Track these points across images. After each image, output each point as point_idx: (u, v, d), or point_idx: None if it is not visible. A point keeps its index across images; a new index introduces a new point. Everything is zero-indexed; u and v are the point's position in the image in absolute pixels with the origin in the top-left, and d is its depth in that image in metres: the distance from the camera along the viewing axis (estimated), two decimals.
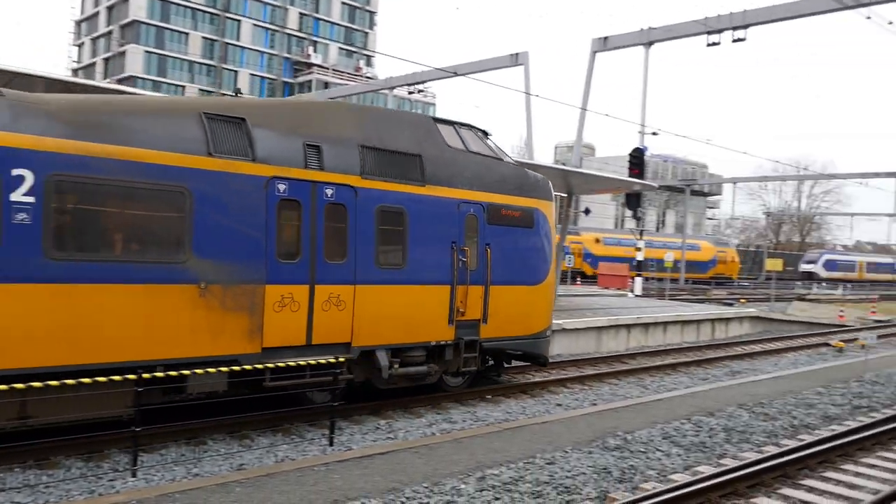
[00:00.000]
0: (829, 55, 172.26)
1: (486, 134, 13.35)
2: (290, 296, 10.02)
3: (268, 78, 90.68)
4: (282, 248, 9.96)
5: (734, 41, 21.55)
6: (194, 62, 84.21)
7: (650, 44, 25.28)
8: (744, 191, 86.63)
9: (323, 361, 10.08)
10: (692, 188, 66.17)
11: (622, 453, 9.65)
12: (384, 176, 11.11)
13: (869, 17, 15.50)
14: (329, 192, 10.43)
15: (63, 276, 8.24)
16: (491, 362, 13.55)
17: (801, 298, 44.15)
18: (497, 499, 7.68)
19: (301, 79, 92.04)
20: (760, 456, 9.69)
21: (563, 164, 40.00)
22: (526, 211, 13.03)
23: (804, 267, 73.83)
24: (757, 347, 22.67)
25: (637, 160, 26.43)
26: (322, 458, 8.80)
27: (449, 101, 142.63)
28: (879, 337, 23.48)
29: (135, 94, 13.57)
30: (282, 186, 9.96)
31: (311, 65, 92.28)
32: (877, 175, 38.43)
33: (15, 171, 7.93)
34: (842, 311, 34.28)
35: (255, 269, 9.68)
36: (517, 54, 29.31)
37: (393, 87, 42.19)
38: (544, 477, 8.44)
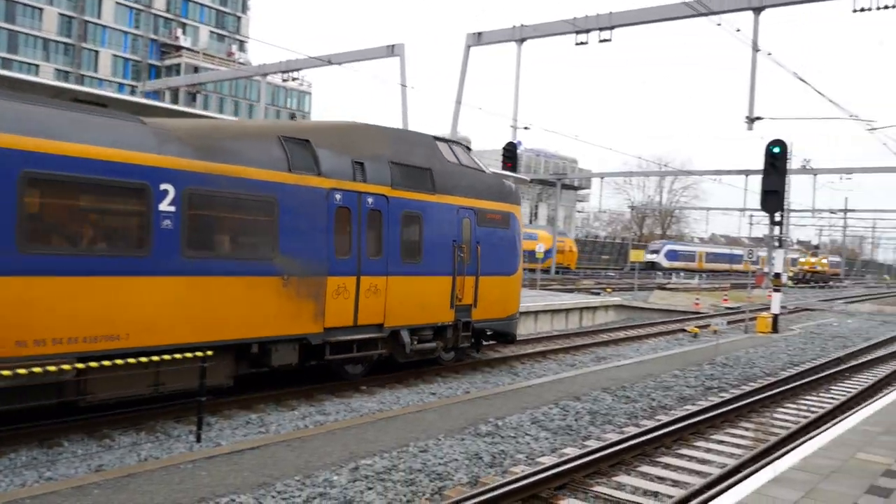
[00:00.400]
0: (687, 58, 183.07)
1: (468, 149, 15.67)
2: (343, 286, 12.13)
3: (132, 60, 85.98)
4: (338, 247, 12.02)
5: (600, 41, 22.51)
6: (49, 40, 78.49)
7: (522, 40, 25.93)
8: (611, 185, 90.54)
9: (365, 338, 12.57)
10: (563, 182, 68.44)
11: (493, 439, 9.90)
12: (407, 187, 13.36)
13: (719, 24, 16.65)
14: (370, 200, 12.64)
15: (193, 270, 10.07)
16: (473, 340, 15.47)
17: (662, 287, 46.74)
18: (370, 488, 7.69)
19: (168, 62, 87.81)
20: (622, 436, 10.21)
21: None
22: (503, 214, 15.58)
23: (648, 257, 76.59)
24: (621, 334, 23.81)
25: (510, 154, 27.07)
26: (189, 456, 8.49)
27: (325, 90, 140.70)
28: (729, 323, 25.29)
29: (219, 118, 15.94)
30: (338, 196, 12.06)
31: (179, 48, 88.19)
32: (728, 173, 41.28)
33: (162, 186, 9.73)
34: (697, 299, 36.58)
35: (321, 263, 11.76)
36: (393, 46, 29.28)
37: (266, 74, 41.14)
38: (417, 465, 8.53)
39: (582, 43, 22.81)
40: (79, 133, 9.08)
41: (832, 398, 14.46)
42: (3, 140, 8.34)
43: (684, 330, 24.41)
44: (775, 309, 25.46)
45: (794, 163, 47.55)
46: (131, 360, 9.06)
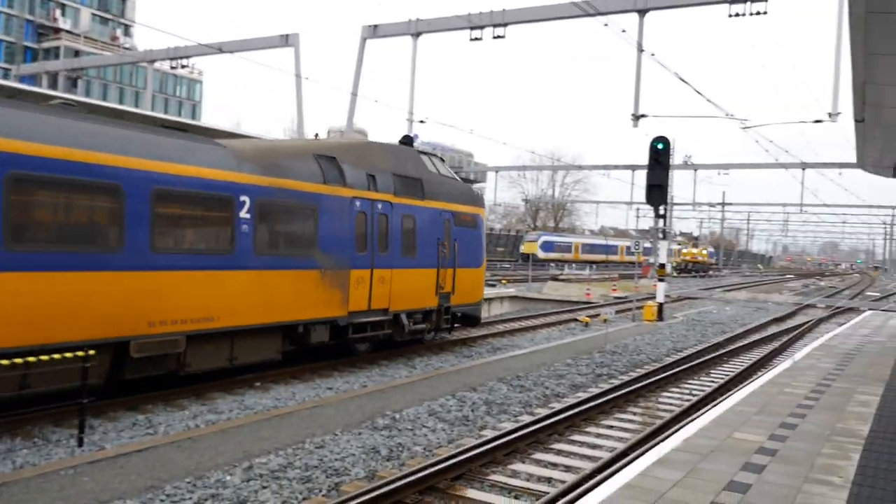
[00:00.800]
0: (579, 56, 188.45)
1: (442, 160, 18.57)
2: (362, 277, 14.58)
3: (6, 41, 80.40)
4: (358, 245, 14.43)
5: (494, 37, 22.85)
6: None
7: (418, 34, 25.94)
8: (505, 179, 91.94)
9: (375, 320, 15.11)
10: (459, 175, 69.10)
11: (391, 432, 9.91)
12: (405, 194, 15.84)
13: (606, 25, 17.23)
14: (379, 206, 15.08)
15: (262, 265, 12.45)
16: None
17: (555, 278, 48.01)
18: (264, 487, 7.54)
19: (47, 45, 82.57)
20: (516, 425, 10.43)
21: None
22: (473, 216, 18.22)
23: (524, 248, 77.74)
24: (516, 325, 24.32)
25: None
26: (70, 461, 8.06)
27: (217, 79, 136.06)
28: (618, 312, 26.28)
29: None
30: (358, 203, 14.46)
31: (58, 30, 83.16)
32: (616, 167, 42.83)
33: (241, 198, 12.01)
34: (588, 289, 37.80)
35: (346, 259, 14.17)
36: (287, 35, 28.67)
37: (153, 61, 39.44)
38: (314, 461, 8.43)
39: (476, 39, 23.08)
40: (190, 158, 11.35)
41: (712, 381, 15.29)
42: (142, 164, 10.62)
43: (576, 320, 25.18)
44: (660, 298, 26.66)
45: (676, 158, 49.82)
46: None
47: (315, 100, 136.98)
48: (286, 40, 28.84)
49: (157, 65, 41.65)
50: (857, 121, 13.33)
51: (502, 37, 22.79)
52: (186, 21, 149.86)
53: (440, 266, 16.77)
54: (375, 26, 26.65)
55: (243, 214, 12.05)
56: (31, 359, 8.79)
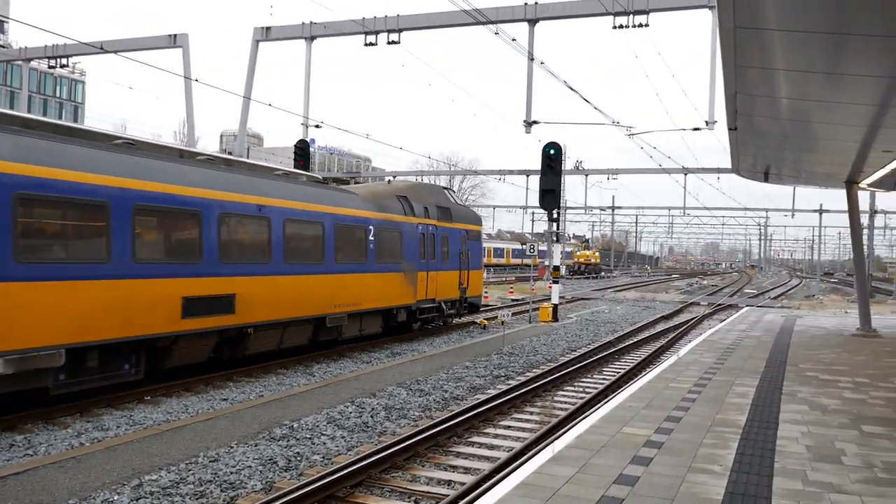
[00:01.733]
0: (474, 62, 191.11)
1: (453, 191, 26.26)
2: (422, 276, 20.76)
3: None
4: (420, 254, 20.63)
5: (389, 43, 22.89)
6: None
7: (312, 38, 25.64)
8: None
9: (428, 306, 21.42)
10: (356, 180, 68.72)
11: (288, 442, 9.76)
12: (442, 219, 22.27)
13: (497, 33, 17.58)
14: (430, 228, 21.39)
15: (379, 269, 18.55)
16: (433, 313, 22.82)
17: None
18: None
19: None
20: (416, 429, 10.49)
21: (229, 153, 38.82)
22: (476, 232, 24.97)
23: None
24: (256, 361, 24.21)
25: (302, 152, 26.72)
26: None
27: (101, 79, 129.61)
28: (514, 314, 26.82)
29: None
30: (419, 227, 20.71)
31: None
32: (511, 172, 43.66)
33: (369, 227, 18.31)
34: (486, 292, 38.36)
35: (415, 264, 20.37)
36: (175, 35, 27.71)
37: (29, 59, 37.19)
38: (208, 476, 8.20)
39: (371, 44, 23.05)
40: (350, 203, 18.01)
41: (604, 379, 15.85)
42: (331, 209, 17.03)
43: (475, 322, 25.52)
44: (555, 299, 27.41)
45: (568, 164, 51.32)
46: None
47: (209, 102, 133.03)
48: (174, 40, 27.85)
49: (34, 64, 39.34)
50: (730, 129, 14.12)
51: (397, 42, 22.87)
52: (68, 19, 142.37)
53: (461, 268, 23.35)
54: (268, 28, 26.16)
55: (371, 237, 18.39)
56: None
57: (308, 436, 10.12)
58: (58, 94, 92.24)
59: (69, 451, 9.15)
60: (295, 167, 25.59)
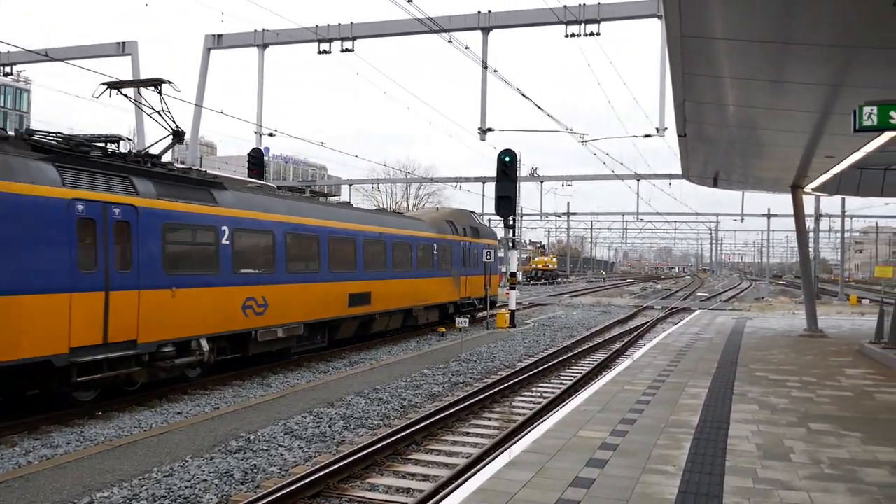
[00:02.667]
0: (430, 70, 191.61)
1: (474, 213, 34.05)
2: (462, 280, 27.45)
3: None
4: (462, 263, 27.49)
5: (342, 51, 22.82)
6: None
7: (265, 46, 25.45)
8: (360, 192, 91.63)
9: (467, 302, 28.55)
10: (312, 189, 68.18)
11: (245, 454, 9.64)
12: (472, 236, 28.99)
13: (450, 41, 17.68)
14: (467, 244, 28.15)
15: (438, 275, 25.66)
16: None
17: None
18: None
19: None
20: (374, 438, 10.45)
21: (182, 162, 38.18)
22: (492, 246, 30.73)
23: None
24: (375, 337, 24.24)
25: (256, 160, 26.49)
26: None
27: (48, 88, 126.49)
28: (472, 321, 26.91)
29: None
30: (461, 244, 27.78)
31: None
32: (467, 180, 43.84)
33: (433, 245, 25.56)
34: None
35: (459, 271, 27.11)
36: (124, 43, 27.24)
37: None
38: (161, 491, 8.05)
39: (325, 52, 22.95)
40: (421, 228, 25.15)
41: (561, 383, 16.00)
42: (424, 234, 25.41)
43: (433, 329, 25.53)
44: (512, 305, 27.60)
45: (523, 170, 51.67)
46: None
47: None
48: (122, 48, 27.37)
49: None
50: (680, 136, 14.46)
51: (351, 50, 22.82)
52: (11, 27, 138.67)
53: (485, 274, 29.36)
54: (219, 36, 25.86)
55: (434, 252, 25.32)
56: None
57: (265, 447, 10.01)
58: (2, 104, 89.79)
59: (16, 469, 8.89)
60: (249, 176, 25.38)
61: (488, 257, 29.16)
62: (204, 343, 13.94)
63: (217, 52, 26.74)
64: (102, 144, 13.08)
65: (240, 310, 14.99)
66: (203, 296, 14.00)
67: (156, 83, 14.43)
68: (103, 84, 14.52)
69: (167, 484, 8.30)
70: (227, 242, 14.66)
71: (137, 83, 15.62)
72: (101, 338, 11.60)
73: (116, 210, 11.98)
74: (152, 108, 14.49)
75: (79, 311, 11.15)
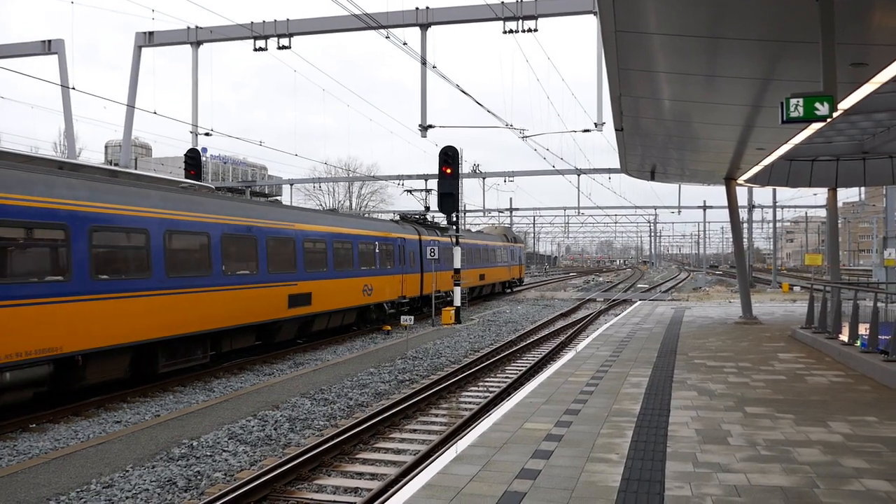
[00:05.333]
0: (369, 67, 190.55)
1: (510, 228, 58.61)
2: (516, 268, 50.58)
3: None
4: (510, 260, 48.29)
5: (279, 48, 22.49)
6: None
7: (198, 43, 24.90)
8: (301, 192, 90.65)
9: (516, 280, 51.40)
10: (252, 189, 67.08)
11: (188, 461, 9.44)
12: (511, 241, 49.25)
13: (388, 37, 17.59)
14: (511, 247, 49.22)
15: (504, 265, 45.90)
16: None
17: None
18: None
19: None
20: (321, 439, 10.36)
21: (115, 165, 37.21)
22: (522, 246, 54.64)
23: None
24: (320, 338, 24.00)
25: (193, 161, 25.93)
26: None
27: None
28: (417, 318, 26.89)
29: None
30: (509, 247, 49.02)
31: None
32: (410, 177, 43.74)
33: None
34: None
35: (509, 263, 48.06)
36: (50, 41, 26.32)
37: None
38: (102, 503, 7.81)
39: (261, 49, 22.59)
40: (496, 239, 45.48)
41: (507, 377, 16.13)
42: (490, 243, 44.46)
43: (378, 328, 25.42)
44: (457, 302, 27.68)
45: (465, 167, 51.91)
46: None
47: (92, 110, 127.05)
48: (48, 46, 26.45)
49: None
50: (617, 130, 14.70)
51: (288, 47, 22.50)
52: None
53: (520, 265, 49.42)
54: (151, 34, 25.20)
55: (502, 251, 44.79)
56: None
57: (209, 453, 9.82)
58: None
59: None
60: (186, 177, 24.85)
61: (519, 255, 42.95)
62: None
63: (151, 50, 26.08)
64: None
65: None
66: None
67: None
68: None
69: (107, 495, 8.07)
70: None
71: None
72: None
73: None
74: None
75: None
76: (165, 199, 15.00)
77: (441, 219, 34.53)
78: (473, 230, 52.06)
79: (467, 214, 66.41)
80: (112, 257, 13.45)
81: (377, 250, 24.86)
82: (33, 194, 11.77)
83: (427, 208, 35.86)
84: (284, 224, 19.36)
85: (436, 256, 26.96)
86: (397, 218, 32.86)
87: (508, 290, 47.44)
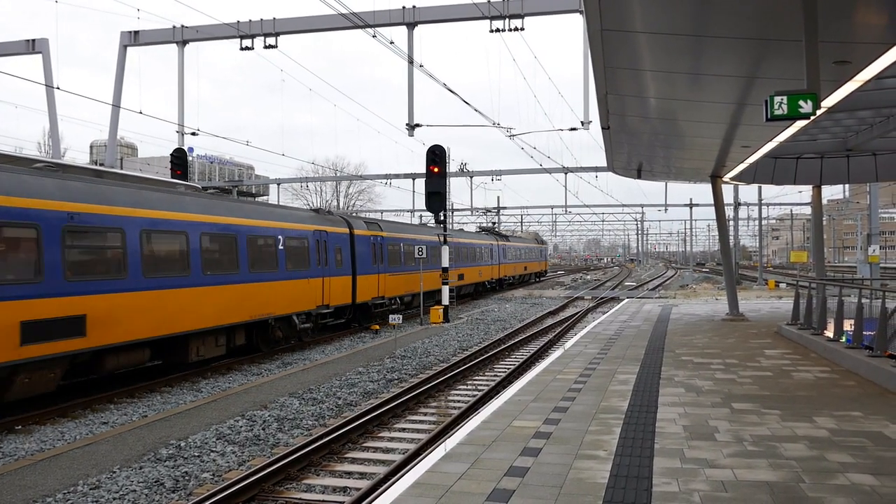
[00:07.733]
0: (356, 67, 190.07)
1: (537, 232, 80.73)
2: (541, 263, 72.64)
3: None
4: (537, 256, 69.53)
5: (266, 47, 22.40)
6: None
7: (184, 43, 24.76)
8: (289, 191, 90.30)
9: (526, 274, 63.37)
10: (239, 189, 66.79)
11: (176, 462, 9.40)
12: (538, 243, 71.31)
13: (374, 36, 17.57)
14: (537, 247, 69.84)
15: (529, 260, 62.72)
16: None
17: None
18: None
19: None
20: (309, 439, 10.34)
21: (100, 164, 37.04)
22: (545, 246, 78.82)
23: None
24: (306, 338, 23.96)
25: (179, 161, 25.80)
26: None
27: None
28: (405, 317, 26.88)
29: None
30: (535, 247, 69.53)
31: None
32: (397, 177, 43.75)
33: (529, 246, 63.26)
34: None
35: (539, 258, 70.54)
36: (34, 40, 26.10)
37: None
38: None
39: (247, 48, 22.48)
40: (529, 242, 66.28)
41: (495, 375, 16.16)
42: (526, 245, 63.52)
43: (367, 327, 25.39)
44: (445, 300, 27.69)
45: (453, 166, 51.82)
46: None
47: (78, 110, 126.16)
48: (32, 46, 26.22)
49: None
50: (604, 128, 14.75)
51: (274, 46, 22.41)
52: None
53: (544, 260, 70.39)
54: (136, 33, 25.03)
55: (532, 250, 64.29)
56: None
57: (197, 454, 9.78)
58: None
59: None
60: (172, 177, 24.73)
61: (542, 253, 53.07)
62: None
63: (137, 49, 25.90)
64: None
65: None
66: None
67: None
68: None
69: (94, 497, 8.03)
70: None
71: None
72: None
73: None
74: None
75: None
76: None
77: (428, 218, 37.05)
78: (511, 236, 63.14)
79: (455, 213, 66.47)
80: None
81: (280, 247, 19.50)
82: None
83: (494, 223, 57.89)
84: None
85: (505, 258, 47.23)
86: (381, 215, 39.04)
87: (537, 280, 64.82)
